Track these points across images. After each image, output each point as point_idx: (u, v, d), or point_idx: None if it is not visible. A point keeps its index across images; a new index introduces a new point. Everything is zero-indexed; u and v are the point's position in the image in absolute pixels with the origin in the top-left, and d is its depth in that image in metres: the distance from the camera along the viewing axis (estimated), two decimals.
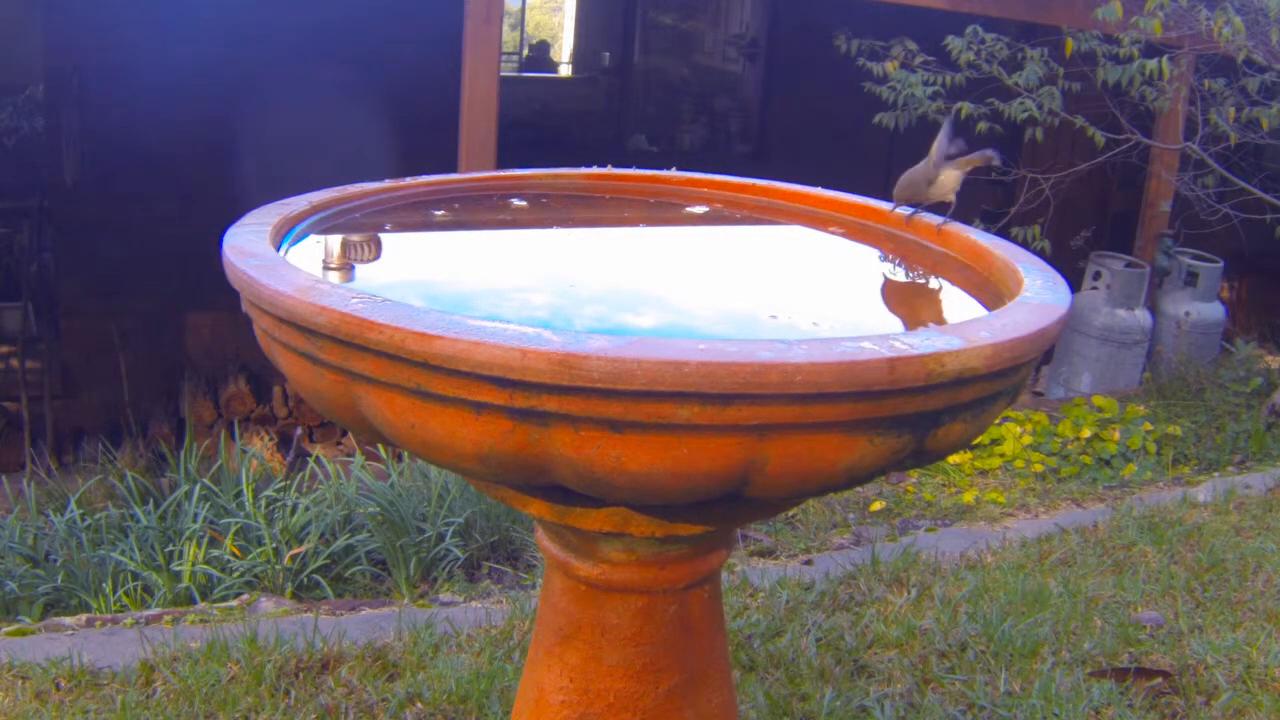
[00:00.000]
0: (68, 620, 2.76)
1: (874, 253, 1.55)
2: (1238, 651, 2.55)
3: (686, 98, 10.00)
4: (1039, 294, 1.16)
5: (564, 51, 12.90)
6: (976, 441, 4.58)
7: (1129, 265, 6.38)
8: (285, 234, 1.33)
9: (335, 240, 1.39)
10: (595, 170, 1.77)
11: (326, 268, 1.30)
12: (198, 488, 3.60)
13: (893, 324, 1.35)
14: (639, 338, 0.93)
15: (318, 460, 3.92)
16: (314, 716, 2.20)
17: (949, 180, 1.49)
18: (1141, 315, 6.33)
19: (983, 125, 5.15)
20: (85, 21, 6.21)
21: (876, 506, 4.09)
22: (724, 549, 1.28)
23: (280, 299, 1.04)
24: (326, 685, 2.31)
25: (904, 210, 1.52)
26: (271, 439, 6.02)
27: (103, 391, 6.43)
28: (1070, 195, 5.95)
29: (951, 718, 2.28)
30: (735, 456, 0.96)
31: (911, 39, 5.43)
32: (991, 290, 1.32)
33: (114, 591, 3.18)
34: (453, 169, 4.67)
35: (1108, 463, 4.82)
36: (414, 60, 6.46)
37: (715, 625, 1.33)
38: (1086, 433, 4.91)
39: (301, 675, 2.34)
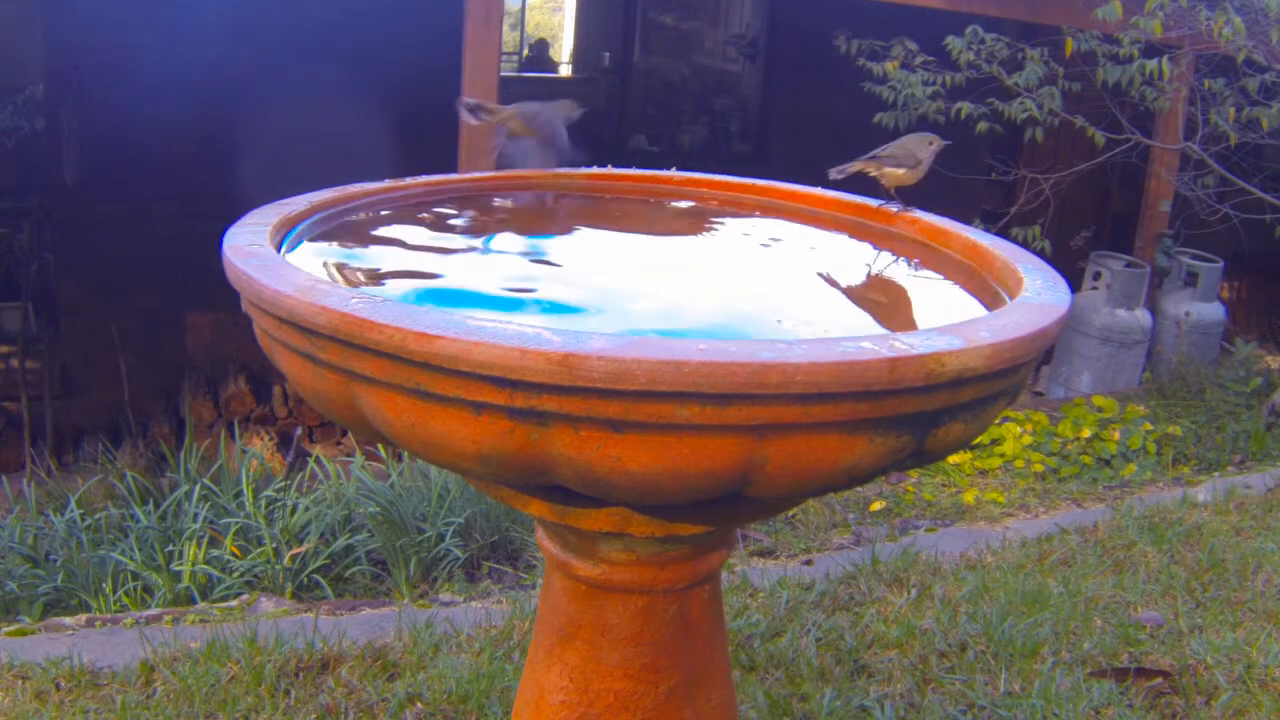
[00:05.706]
0: (68, 620, 2.76)
1: (873, 252, 1.55)
2: (1238, 651, 2.55)
3: (686, 98, 9.98)
4: (1039, 294, 1.16)
5: (564, 51, 12.89)
6: (976, 441, 4.58)
7: (1129, 265, 6.38)
8: (286, 234, 1.33)
9: (335, 241, 1.39)
10: (596, 170, 1.77)
11: (326, 269, 1.30)
12: (198, 488, 3.60)
13: (892, 324, 1.35)
14: (639, 338, 0.93)
15: (318, 460, 3.92)
16: (314, 716, 2.20)
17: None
18: (1141, 315, 6.33)
19: (983, 125, 5.15)
20: (85, 21, 6.20)
21: (876, 506, 4.09)
22: (724, 549, 1.28)
23: (280, 299, 1.04)
24: (326, 685, 2.31)
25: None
26: (271, 439, 6.02)
27: (103, 391, 6.43)
28: (1070, 195, 5.95)
29: (951, 718, 2.28)
30: (735, 456, 0.96)
31: (911, 39, 5.43)
32: (991, 290, 1.32)
33: (114, 591, 3.18)
34: (453, 169, 4.67)
35: (1108, 463, 4.82)
36: (414, 60, 6.45)
37: (715, 625, 1.33)
38: (1086, 433, 4.91)
39: (301, 675, 2.34)
